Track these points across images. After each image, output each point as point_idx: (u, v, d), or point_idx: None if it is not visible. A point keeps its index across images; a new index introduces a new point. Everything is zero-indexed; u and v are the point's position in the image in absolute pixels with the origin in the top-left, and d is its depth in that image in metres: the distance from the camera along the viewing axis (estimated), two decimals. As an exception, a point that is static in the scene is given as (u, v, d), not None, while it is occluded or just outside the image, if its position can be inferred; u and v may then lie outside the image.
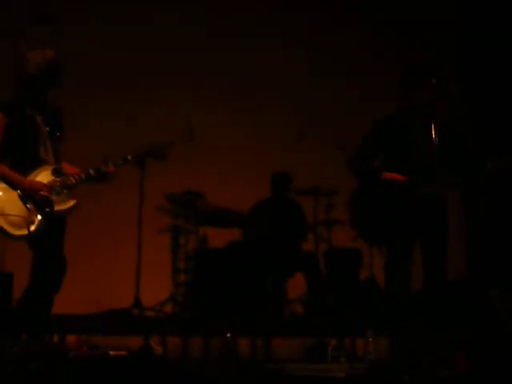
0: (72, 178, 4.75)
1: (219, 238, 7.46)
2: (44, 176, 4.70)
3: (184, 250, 7.44)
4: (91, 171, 4.80)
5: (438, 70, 5.12)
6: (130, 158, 4.93)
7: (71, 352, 3.76)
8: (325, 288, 7.17)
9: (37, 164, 4.73)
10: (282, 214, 7.69)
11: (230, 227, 7.62)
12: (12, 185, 4.61)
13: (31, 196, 4.60)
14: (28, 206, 4.59)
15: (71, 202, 4.73)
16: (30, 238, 4.59)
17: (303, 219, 7.77)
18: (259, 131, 8.51)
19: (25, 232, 4.55)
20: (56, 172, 4.74)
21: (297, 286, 7.49)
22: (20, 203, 4.60)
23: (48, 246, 4.66)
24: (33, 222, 4.57)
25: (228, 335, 4.48)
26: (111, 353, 3.80)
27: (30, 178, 4.66)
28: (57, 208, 4.67)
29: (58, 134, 4.81)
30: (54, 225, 4.69)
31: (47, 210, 4.64)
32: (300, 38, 8.77)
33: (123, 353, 3.81)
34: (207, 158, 8.21)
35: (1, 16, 7.72)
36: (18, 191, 4.61)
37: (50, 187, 4.65)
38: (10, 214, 4.54)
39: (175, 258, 7.41)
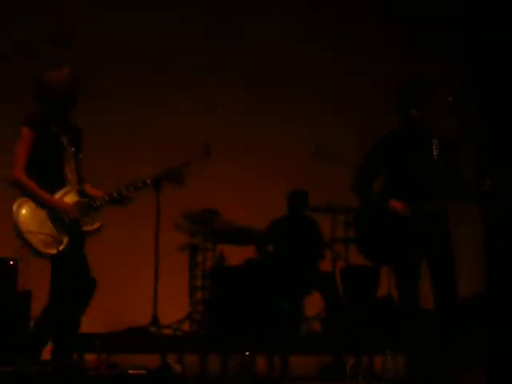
0: (97, 201, 4.82)
1: (236, 255, 7.47)
2: (70, 197, 4.76)
3: (201, 267, 7.45)
4: (115, 194, 4.86)
5: (435, 83, 5.14)
6: (149, 182, 4.97)
7: (90, 371, 3.76)
8: (342, 307, 7.16)
9: (61, 183, 4.78)
10: (299, 232, 7.69)
11: (246, 245, 7.64)
12: (41, 203, 4.66)
13: (60, 216, 4.67)
14: (57, 225, 4.65)
15: (97, 224, 4.81)
16: (57, 258, 4.63)
17: (320, 237, 7.77)
18: (274, 148, 8.53)
19: (53, 251, 4.62)
20: (81, 193, 4.81)
21: (314, 303, 7.48)
22: (49, 222, 4.65)
23: (76, 266, 4.72)
24: (61, 242, 4.64)
25: (246, 353, 4.47)
26: (130, 372, 3.81)
27: (57, 197, 4.71)
28: (84, 229, 4.76)
29: (80, 154, 4.88)
30: (80, 245, 4.76)
31: (76, 230, 4.71)
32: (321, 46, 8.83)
33: (142, 371, 3.82)
34: (223, 176, 8.23)
35: (15, 35, 7.80)
36: (47, 210, 4.66)
37: (78, 208, 4.71)
38: (41, 233, 4.59)
39: (192, 275, 7.43)
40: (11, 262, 6.48)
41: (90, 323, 6.84)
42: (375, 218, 5.11)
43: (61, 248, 4.64)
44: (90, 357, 5.63)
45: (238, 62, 8.64)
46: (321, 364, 6.31)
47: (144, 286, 7.07)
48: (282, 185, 7.89)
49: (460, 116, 4.89)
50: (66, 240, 4.68)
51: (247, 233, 7.42)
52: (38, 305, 6.54)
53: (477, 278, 8.42)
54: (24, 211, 4.63)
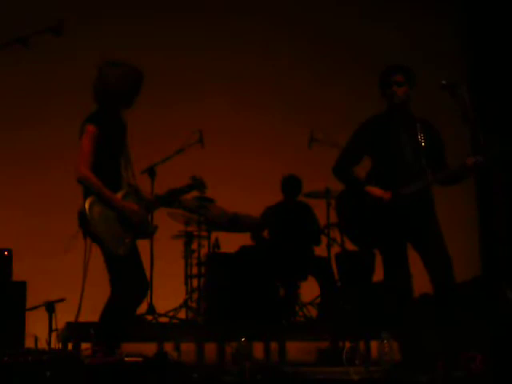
0: (151, 204, 4.92)
1: (231, 242, 7.46)
2: (132, 199, 4.78)
3: (196, 255, 7.46)
4: (166, 196, 5.00)
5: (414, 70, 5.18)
6: (186, 189, 5.13)
7: (86, 359, 3.76)
8: (337, 292, 7.16)
9: (119, 181, 4.78)
10: (294, 218, 7.69)
11: (241, 232, 7.63)
12: (107, 203, 4.65)
13: (128, 219, 4.69)
14: (124, 226, 4.68)
15: (154, 226, 4.95)
16: (120, 260, 4.66)
17: (315, 222, 7.78)
18: (269, 134, 8.53)
19: (121, 251, 4.65)
20: (138, 195, 4.85)
21: (310, 289, 7.48)
22: (117, 222, 4.67)
23: (135, 266, 4.77)
24: (127, 244, 4.68)
25: (243, 339, 4.47)
26: (126, 359, 3.80)
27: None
28: (146, 230, 4.86)
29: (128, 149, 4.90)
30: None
31: (140, 232, 4.76)
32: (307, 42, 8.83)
33: (139, 359, 3.81)
34: (217, 164, 8.23)
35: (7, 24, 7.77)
36: (115, 212, 4.67)
37: (142, 211, 4.76)
38: (111, 232, 4.61)
39: (188, 263, 7.43)
40: (5, 253, 6.48)
41: (86, 312, 6.84)
42: (357, 202, 5.11)
43: (127, 249, 4.67)
44: (85, 345, 5.61)
45: (232, 49, 8.64)
46: (318, 349, 6.33)
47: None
48: (278, 171, 7.88)
49: (456, 98, 4.87)
50: (129, 241, 4.70)
51: (242, 220, 7.41)
52: (33, 295, 6.57)
53: (473, 262, 8.46)
54: (95, 210, 4.61)
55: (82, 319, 6.24)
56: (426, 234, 5.05)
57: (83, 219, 4.62)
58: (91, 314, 6.54)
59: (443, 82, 5.02)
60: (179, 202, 5.15)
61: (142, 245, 6.95)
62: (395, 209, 5.01)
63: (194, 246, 7.47)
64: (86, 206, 4.59)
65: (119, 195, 4.73)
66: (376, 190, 5.06)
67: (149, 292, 7.00)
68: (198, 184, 5.25)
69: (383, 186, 5.08)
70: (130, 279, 4.72)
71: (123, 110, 4.89)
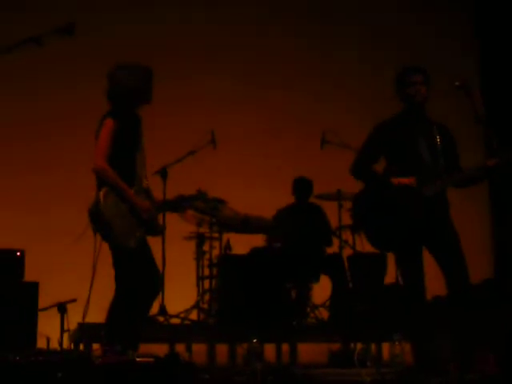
0: (164, 206, 5.05)
1: (243, 244, 7.46)
2: (144, 197, 4.82)
3: (208, 256, 7.45)
4: (172, 202, 5.05)
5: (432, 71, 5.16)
6: (194, 197, 5.13)
7: (97, 359, 3.76)
8: (349, 293, 7.14)
9: (133, 177, 4.81)
10: (305, 220, 7.68)
11: (253, 233, 7.62)
12: (122, 197, 4.69)
13: (139, 214, 4.72)
14: (136, 220, 4.71)
15: (163, 225, 5.10)
16: (131, 252, 4.69)
17: (327, 224, 7.76)
18: (281, 136, 8.53)
19: (131, 245, 4.68)
20: (148, 194, 4.88)
21: (322, 291, 7.47)
22: (130, 216, 4.71)
23: (146, 262, 4.80)
24: (137, 238, 4.71)
25: (254, 341, 4.47)
26: (138, 359, 3.80)
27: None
28: (156, 228, 4.90)
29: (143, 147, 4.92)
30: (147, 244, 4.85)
31: (150, 228, 4.80)
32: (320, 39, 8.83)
33: (150, 359, 3.81)
34: (229, 165, 8.24)
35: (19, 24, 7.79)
36: (128, 205, 4.70)
37: (153, 209, 4.79)
38: (122, 225, 4.64)
39: (199, 265, 7.43)
40: (18, 253, 6.50)
41: (98, 313, 6.85)
42: (375, 202, 5.09)
43: (137, 243, 4.70)
44: (96, 346, 5.61)
45: (240, 47, 8.65)
46: (329, 351, 6.31)
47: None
48: (290, 173, 7.87)
49: (469, 100, 4.86)
50: (140, 236, 4.74)
51: (253, 221, 7.40)
52: (46, 296, 6.58)
53: (486, 264, 8.42)
54: (109, 201, 4.65)
55: (93, 319, 6.26)
56: (443, 236, 5.02)
57: (95, 210, 4.65)
58: (102, 314, 6.56)
59: (457, 83, 5.01)
60: (185, 208, 5.14)
61: (154, 246, 7.01)
62: (411, 211, 4.99)
63: (206, 247, 7.46)
64: (101, 195, 4.63)
65: (131, 191, 4.77)
66: (402, 179, 5.03)
67: (160, 293, 7.02)
68: (201, 196, 5.24)
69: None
70: (141, 274, 4.74)
71: (141, 106, 4.94)
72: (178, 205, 5.08)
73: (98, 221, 4.65)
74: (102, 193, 4.64)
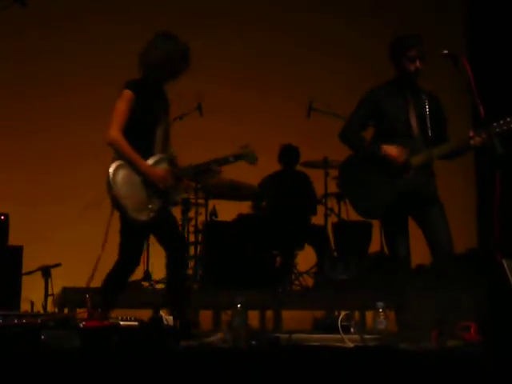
0: (186, 172, 4.88)
1: (229, 211, 7.46)
2: (163, 165, 4.77)
3: (194, 223, 7.45)
4: (201, 167, 4.90)
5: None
6: (231, 159, 5.01)
7: (81, 323, 3.76)
8: (334, 260, 7.17)
9: (153, 149, 4.78)
10: (291, 187, 7.68)
11: (239, 200, 7.63)
12: (135, 168, 4.66)
13: (155, 184, 4.68)
14: (150, 192, 4.67)
15: (182, 193, 4.92)
16: (149, 224, 4.69)
17: (312, 192, 7.77)
18: (268, 104, 8.50)
19: (144, 217, 4.65)
20: (171, 162, 4.83)
21: (306, 258, 7.50)
22: (143, 188, 4.68)
23: (167, 231, 4.79)
24: (153, 210, 4.67)
25: (238, 307, 4.48)
26: (122, 323, 3.80)
27: (149, 164, 4.71)
28: (173, 198, 4.83)
29: (168, 122, 4.91)
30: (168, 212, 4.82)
31: (169, 199, 4.75)
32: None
33: (134, 323, 3.81)
34: (215, 132, 8.21)
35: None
36: (141, 176, 4.67)
37: (170, 177, 4.72)
38: (134, 198, 4.62)
39: (185, 231, 7.42)
40: (2, 217, 6.47)
41: (82, 279, 6.85)
42: (362, 171, 5.09)
43: (152, 215, 4.67)
44: (80, 311, 5.62)
45: (228, 12, 8.60)
46: (313, 318, 6.34)
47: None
48: (276, 141, 7.87)
49: (457, 69, 4.84)
50: (156, 207, 4.69)
51: (240, 188, 7.40)
52: (30, 260, 6.58)
53: (469, 234, 8.47)
54: (120, 175, 4.64)
55: (77, 284, 6.27)
56: (428, 206, 5.04)
57: (106, 183, 4.65)
58: (86, 279, 6.56)
59: (444, 51, 4.98)
60: (216, 172, 5.05)
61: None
62: (403, 177, 5.00)
63: (192, 213, 7.46)
64: (111, 169, 4.63)
65: (150, 161, 4.74)
66: (392, 150, 5.02)
67: (145, 259, 7.02)
68: (247, 154, 5.12)
69: None
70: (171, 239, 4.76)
71: (168, 81, 4.90)
72: (208, 169, 4.93)
73: (109, 194, 4.65)
74: (112, 166, 4.64)
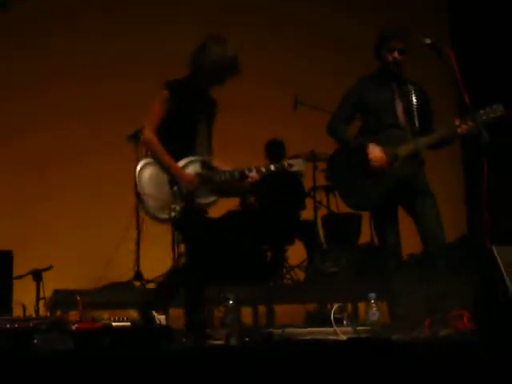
0: (218, 176, 4.83)
1: (218, 207, 7.43)
2: (194, 167, 4.77)
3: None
4: (236, 173, 4.87)
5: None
6: (272, 168, 4.95)
7: (73, 325, 3.76)
8: (324, 254, 7.17)
9: (189, 152, 4.79)
10: (280, 182, 7.67)
11: (227, 197, 7.60)
12: (164, 169, 4.69)
13: (180, 185, 4.68)
14: (175, 192, 4.68)
15: (212, 198, 4.85)
16: (171, 223, 4.76)
17: (301, 186, 7.76)
18: (254, 97, 8.48)
19: (165, 216, 4.65)
20: (205, 165, 4.82)
21: (297, 252, 7.50)
22: (168, 188, 4.69)
23: (200, 233, 4.79)
24: (175, 209, 4.65)
25: (230, 303, 4.48)
26: (114, 324, 3.80)
27: (180, 165, 4.71)
28: (200, 201, 4.78)
29: (211, 125, 4.93)
30: (201, 215, 4.82)
31: (192, 201, 4.73)
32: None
33: (126, 324, 3.82)
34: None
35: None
36: (168, 176, 4.68)
37: (199, 180, 4.72)
38: (157, 197, 4.63)
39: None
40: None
41: (74, 279, 6.85)
42: (350, 162, 5.10)
43: (173, 214, 4.65)
44: (72, 313, 5.61)
45: (214, 5, 8.60)
46: (306, 312, 6.35)
47: (126, 240, 7.05)
48: (262, 135, 7.86)
49: (441, 58, 4.85)
50: (179, 208, 4.68)
51: (228, 184, 7.38)
52: (21, 264, 6.56)
53: (459, 221, 8.50)
54: (147, 172, 4.68)
55: (68, 286, 6.27)
56: (418, 196, 5.06)
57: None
58: (78, 281, 6.57)
59: (427, 40, 4.99)
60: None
61: (129, 209, 7.00)
62: (392, 171, 5.01)
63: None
64: (138, 166, 4.69)
65: (181, 163, 4.75)
66: (376, 151, 5.03)
67: (136, 258, 7.02)
68: (298, 164, 5.05)
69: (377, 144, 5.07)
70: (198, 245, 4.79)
71: (213, 86, 4.93)
72: (244, 175, 4.89)
73: (134, 189, 4.70)
74: (140, 163, 4.70)
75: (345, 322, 4.50)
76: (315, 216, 7.59)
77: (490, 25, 8.33)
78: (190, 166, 4.77)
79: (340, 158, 5.23)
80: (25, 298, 6.46)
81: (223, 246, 6.98)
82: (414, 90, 5.15)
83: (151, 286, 6.95)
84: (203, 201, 4.81)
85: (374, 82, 5.19)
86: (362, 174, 5.06)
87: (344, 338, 4.24)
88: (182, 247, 7.34)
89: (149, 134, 4.71)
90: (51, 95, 7.99)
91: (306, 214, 7.69)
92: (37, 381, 3.07)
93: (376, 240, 7.17)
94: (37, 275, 6.56)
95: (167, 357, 3.34)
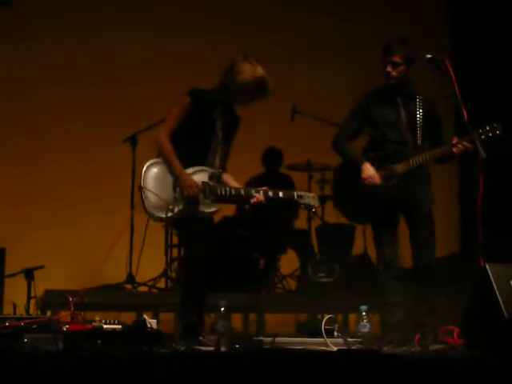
0: (223, 190, 4.83)
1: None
2: (200, 176, 4.78)
3: (177, 225, 7.43)
4: (242, 191, 4.92)
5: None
6: (281, 195, 5.01)
7: (64, 326, 3.76)
8: (317, 264, 7.16)
9: (201, 161, 4.81)
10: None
11: (222, 203, 7.60)
12: (171, 171, 4.72)
13: (181, 189, 4.70)
14: (176, 196, 4.70)
15: (213, 208, 4.86)
16: (168, 223, 4.93)
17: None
18: (252, 106, 8.49)
19: (161, 215, 4.68)
20: (213, 177, 4.83)
21: (289, 261, 7.49)
22: (170, 189, 4.72)
23: (201, 239, 4.78)
24: (172, 211, 4.69)
25: (222, 309, 4.49)
26: (105, 326, 3.80)
27: (188, 172, 4.74)
28: (200, 209, 4.78)
29: (230, 142, 4.97)
30: (203, 223, 4.81)
31: (192, 207, 4.73)
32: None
33: (117, 326, 3.82)
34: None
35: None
36: (173, 179, 4.72)
37: (201, 188, 4.73)
38: (158, 196, 4.65)
39: (168, 232, 7.40)
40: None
41: (66, 280, 6.83)
42: (354, 175, 5.13)
43: (169, 215, 4.68)
44: (64, 314, 5.61)
45: (214, 11, 8.61)
46: (297, 321, 6.35)
47: (119, 243, 7.03)
48: (260, 143, 7.86)
49: (441, 74, 4.88)
50: (177, 210, 4.71)
51: (231, 200, 7.37)
52: (13, 262, 6.55)
53: (452, 238, 8.51)
54: (153, 171, 4.72)
55: (60, 287, 6.25)
56: (416, 213, 5.09)
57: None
58: (69, 281, 6.56)
59: (428, 55, 5.01)
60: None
61: (123, 213, 7.00)
62: (387, 188, 5.05)
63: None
64: (147, 163, 4.73)
65: (190, 170, 4.77)
66: (369, 170, 5.08)
67: (128, 261, 7.00)
68: (308, 196, 5.11)
69: (379, 160, 5.13)
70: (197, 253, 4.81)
71: (240, 104, 4.98)
72: (248, 197, 4.91)
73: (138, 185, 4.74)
74: (149, 161, 4.74)
75: (335, 333, 4.49)
76: (309, 226, 7.59)
77: (491, 26, 8.31)
78: (197, 175, 4.79)
79: (344, 171, 5.31)
80: (16, 297, 6.46)
81: (216, 252, 6.99)
82: (420, 103, 5.14)
83: (144, 288, 6.94)
84: (205, 209, 4.82)
85: (380, 95, 5.20)
86: (359, 189, 5.10)
87: (334, 349, 4.24)
88: (175, 251, 7.37)
89: (163, 137, 4.75)
90: (46, 94, 7.98)
91: (300, 223, 7.69)
92: (25, 380, 3.06)
93: (369, 252, 7.27)
94: (29, 274, 6.55)
95: (156, 361, 3.34)
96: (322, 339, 4.38)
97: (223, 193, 4.83)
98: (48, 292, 6.35)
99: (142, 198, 4.70)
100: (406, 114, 5.13)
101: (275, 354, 3.66)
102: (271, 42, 8.67)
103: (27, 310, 6.35)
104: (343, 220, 7.04)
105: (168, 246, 7.39)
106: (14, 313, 6.07)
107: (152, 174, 4.73)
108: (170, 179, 4.74)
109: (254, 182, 7.69)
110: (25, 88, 8.03)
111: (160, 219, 4.77)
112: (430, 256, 5.09)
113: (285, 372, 3.24)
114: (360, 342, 4.43)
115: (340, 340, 4.43)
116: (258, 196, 4.86)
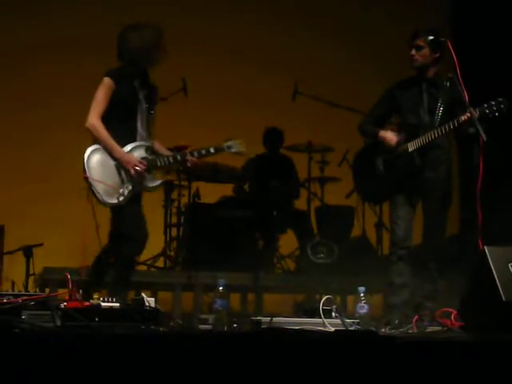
0: (162, 160, 4.91)
1: (212, 193, 7.45)
2: (139, 152, 4.87)
3: (176, 204, 7.43)
4: (178, 157, 4.95)
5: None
6: (212, 150, 5.04)
7: (63, 303, 3.75)
8: (316, 245, 7.17)
9: (132, 137, 4.90)
10: (274, 170, 7.67)
11: (222, 182, 7.61)
12: (111, 154, 4.79)
13: (127, 169, 4.78)
14: (122, 177, 4.78)
15: (158, 181, 4.97)
16: (117, 208, 4.78)
17: (295, 176, 7.76)
18: (253, 86, 8.47)
19: (114, 201, 4.75)
20: (148, 149, 4.90)
21: (288, 242, 7.50)
22: (115, 173, 4.79)
23: (132, 217, 4.85)
24: (123, 194, 4.76)
25: (220, 289, 4.50)
26: (103, 304, 3.80)
27: (126, 151, 4.82)
28: (147, 184, 4.89)
29: (152, 111, 4.98)
30: (137, 199, 4.90)
31: (139, 185, 4.83)
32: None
33: (115, 304, 3.81)
34: (200, 114, 8.18)
35: None
36: (115, 161, 4.78)
37: (144, 164, 4.79)
38: (105, 182, 4.70)
39: (167, 212, 7.41)
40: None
41: (65, 258, 6.83)
42: (371, 161, 5.26)
43: (121, 199, 4.75)
44: (62, 291, 5.61)
45: (231, 21, 8.57)
46: (294, 302, 6.36)
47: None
48: (261, 123, 7.85)
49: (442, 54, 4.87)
50: (127, 192, 4.79)
51: (223, 170, 7.38)
52: (12, 239, 6.55)
53: (452, 220, 8.50)
54: (94, 159, 4.78)
55: (58, 264, 6.25)
56: (429, 195, 5.12)
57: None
58: (68, 259, 6.55)
59: (430, 37, 5.01)
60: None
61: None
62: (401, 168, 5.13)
63: (175, 195, 7.44)
64: (86, 153, 4.77)
65: (127, 148, 4.85)
66: (385, 132, 5.24)
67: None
68: (234, 145, 5.12)
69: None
70: (127, 228, 4.83)
71: (148, 67, 4.99)
72: (185, 160, 4.98)
73: (84, 176, 4.76)
74: (88, 150, 4.78)
75: (333, 314, 4.49)
76: (309, 207, 7.59)
77: (491, 22, 8.28)
78: (135, 151, 4.87)
79: (364, 154, 5.46)
80: (14, 274, 6.47)
81: (215, 232, 7.00)
82: (444, 88, 5.12)
83: (143, 267, 6.94)
84: (151, 184, 4.93)
85: (407, 82, 5.28)
86: (376, 169, 5.22)
87: (332, 329, 4.24)
88: (175, 231, 7.38)
89: (94, 121, 4.80)
90: (45, 69, 7.96)
91: (300, 205, 7.69)
92: (22, 357, 3.06)
93: (368, 233, 7.29)
94: (27, 251, 6.55)
95: (154, 339, 3.34)
96: (320, 320, 4.38)
97: (162, 163, 4.92)
98: (47, 269, 6.36)
99: (92, 189, 4.73)
100: (429, 100, 5.14)
101: (273, 334, 3.65)
102: (272, 21, 8.64)
103: (26, 287, 6.36)
104: (343, 202, 7.09)
105: (167, 226, 7.40)
106: (13, 290, 6.07)
107: (94, 161, 4.77)
108: (111, 162, 4.80)
109: (253, 163, 7.69)
110: (24, 63, 8.02)
111: (113, 205, 4.79)
112: (436, 241, 5.14)
113: (282, 352, 3.24)
114: (357, 323, 4.43)
115: (338, 321, 4.43)
116: (191, 158, 4.94)
